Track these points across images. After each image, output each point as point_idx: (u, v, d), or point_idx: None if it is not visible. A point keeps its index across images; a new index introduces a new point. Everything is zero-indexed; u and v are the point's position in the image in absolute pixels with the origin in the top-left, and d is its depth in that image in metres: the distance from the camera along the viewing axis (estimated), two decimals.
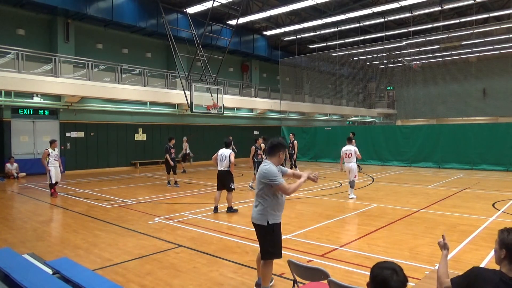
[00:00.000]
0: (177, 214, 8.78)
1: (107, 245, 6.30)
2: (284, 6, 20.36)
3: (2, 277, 3.38)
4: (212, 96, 18.21)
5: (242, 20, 21.15)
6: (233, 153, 8.96)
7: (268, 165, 4.11)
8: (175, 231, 7.27)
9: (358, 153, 10.98)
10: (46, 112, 17.58)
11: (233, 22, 20.63)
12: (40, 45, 17.45)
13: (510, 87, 27.59)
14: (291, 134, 16.86)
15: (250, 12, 21.66)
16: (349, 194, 10.86)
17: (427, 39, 25.45)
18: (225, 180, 8.91)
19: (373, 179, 15.09)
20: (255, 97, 25.91)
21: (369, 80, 38.96)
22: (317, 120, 32.92)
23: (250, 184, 12.92)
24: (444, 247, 2.54)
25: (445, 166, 19.11)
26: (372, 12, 21.28)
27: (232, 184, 8.95)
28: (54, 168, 10.97)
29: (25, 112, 16.94)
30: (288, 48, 29.49)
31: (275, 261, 5.20)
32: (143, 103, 20.41)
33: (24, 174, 16.09)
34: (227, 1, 18.56)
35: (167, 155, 13.06)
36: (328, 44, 27.96)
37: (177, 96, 19.82)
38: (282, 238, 4.32)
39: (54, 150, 11.08)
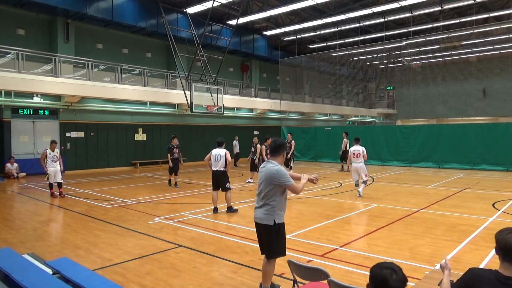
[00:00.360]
0: (177, 214, 8.78)
1: (107, 245, 6.29)
2: (284, 6, 20.36)
3: (2, 277, 3.38)
4: (212, 96, 18.21)
5: (242, 20, 21.14)
6: (228, 152, 8.87)
7: (277, 166, 4.15)
8: (175, 231, 7.27)
9: (365, 153, 10.97)
10: (46, 112, 17.58)
11: (233, 22, 20.62)
12: (40, 45, 17.45)
13: (510, 87, 27.59)
14: (288, 134, 16.95)
15: (250, 12, 21.66)
16: (359, 192, 10.86)
17: (427, 39, 25.45)
18: (221, 181, 8.81)
19: (373, 179, 15.08)
20: (255, 97, 25.91)
21: (369, 80, 38.97)
22: (317, 120, 32.92)
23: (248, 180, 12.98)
24: (445, 267, 2.54)
25: (445, 166, 19.11)
26: (372, 12, 21.28)
27: (228, 184, 8.85)
28: (52, 169, 10.89)
29: (25, 112, 16.93)
30: (288, 48, 29.48)
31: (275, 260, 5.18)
32: (143, 103, 20.41)
33: (24, 174, 16.09)
34: (227, 1, 18.55)
35: (168, 155, 12.77)
36: (328, 44, 27.96)
37: (177, 96, 19.82)
38: None
39: (53, 151, 10.98)
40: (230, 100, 22.23)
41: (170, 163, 12.79)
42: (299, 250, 5.95)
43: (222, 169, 8.78)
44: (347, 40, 27.29)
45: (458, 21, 23.33)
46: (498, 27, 23.72)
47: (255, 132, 25.92)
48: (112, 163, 19.60)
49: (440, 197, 10.87)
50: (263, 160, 12.81)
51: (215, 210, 8.85)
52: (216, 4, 17.71)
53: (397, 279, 1.96)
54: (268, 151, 4.45)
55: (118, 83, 18.33)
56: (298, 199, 10.93)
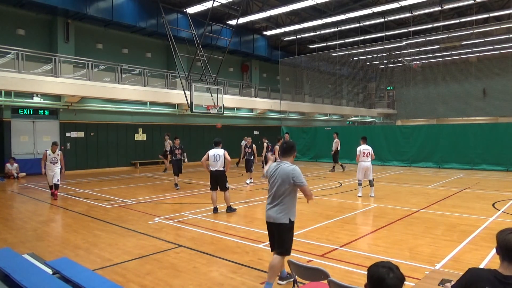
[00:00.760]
0: (177, 214, 8.78)
1: (107, 245, 6.29)
2: (284, 6, 20.36)
3: (2, 277, 3.38)
4: (212, 96, 18.21)
5: (242, 20, 21.14)
6: (226, 152, 8.84)
7: (292, 166, 4.33)
8: (175, 231, 7.27)
9: (372, 152, 11.00)
10: (46, 112, 17.58)
11: (233, 22, 20.62)
12: (40, 45, 17.44)
13: (510, 87, 27.60)
14: (286, 134, 17.03)
15: (250, 12, 21.66)
16: (359, 194, 10.86)
17: (427, 39, 25.44)
18: (220, 180, 8.81)
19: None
20: (255, 97, 25.90)
21: (369, 80, 38.95)
22: (317, 120, 32.92)
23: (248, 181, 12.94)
24: None
25: (445, 166, 19.11)
26: (372, 12, 21.28)
27: (227, 184, 8.85)
28: (50, 171, 10.63)
29: (25, 112, 16.93)
30: (288, 48, 29.48)
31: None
32: (143, 103, 20.41)
33: (24, 174, 16.09)
34: (227, 1, 18.55)
35: (170, 155, 12.57)
36: (328, 44, 27.95)
37: (177, 96, 19.82)
38: None
39: (53, 152, 10.69)
40: (230, 100, 22.22)
41: (167, 164, 12.55)
42: (299, 250, 5.95)
43: (221, 169, 8.77)
44: (347, 40, 27.28)
45: (458, 21, 23.33)
46: (498, 27, 23.71)
47: (255, 132, 25.92)
48: (112, 163, 19.60)
49: (440, 197, 10.87)
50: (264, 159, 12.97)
51: (215, 210, 8.85)
52: (216, 4, 17.71)
53: (394, 277, 1.98)
54: (279, 152, 4.60)
55: (118, 83, 18.33)
56: (298, 199, 10.92)
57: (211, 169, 8.80)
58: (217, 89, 18.43)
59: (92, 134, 18.87)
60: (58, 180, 10.78)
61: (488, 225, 7.56)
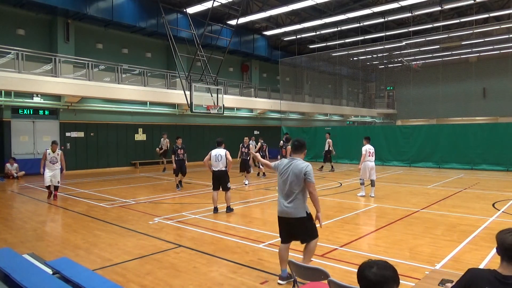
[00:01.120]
0: (177, 214, 8.78)
1: (107, 245, 6.29)
2: (284, 6, 20.36)
3: (2, 277, 3.38)
4: (212, 96, 18.21)
5: (242, 20, 21.14)
6: (228, 152, 8.89)
7: (306, 163, 4.59)
8: (175, 231, 7.27)
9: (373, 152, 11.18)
10: (46, 112, 17.58)
11: (233, 22, 20.62)
12: (40, 45, 17.44)
13: (510, 87, 27.58)
14: (286, 134, 17.12)
15: (250, 12, 21.66)
16: (361, 193, 10.90)
17: (427, 39, 25.44)
18: (222, 180, 8.84)
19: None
20: (255, 97, 25.90)
21: (369, 80, 38.95)
22: (317, 120, 32.92)
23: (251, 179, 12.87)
24: None
25: (445, 166, 19.11)
26: (372, 12, 21.28)
27: (228, 183, 8.89)
28: (48, 171, 10.46)
29: (25, 112, 16.93)
30: (288, 48, 29.48)
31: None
32: (143, 103, 20.41)
33: (23, 173, 16.05)
34: (227, 1, 18.55)
35: (173, 156, 12.33)
36: (328, 44, 27.95)
37: (177, 96, 19.82)
38: None
39: (53, 152, 10.54)
40: (230, 100, 22.22)
41: (174, 165, 12.31)
42: (299, 250, 5.94)
43: (223, 168, 8.81)
44: (347, 40, 27.28)
45: (458, 21, 23.33)
46: (498, 27, 23.71)
47: (255, 132, 25.92)
48: (112, 163, 19.60)
49: (440, 197, 10.87)
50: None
51: (215, 210, 8.85)
52: (216, 4, 17.71)
53: (375, 272, 1.94)
54: (291, 149, 4.83)
55: (118, 83, 18.33)
56: None
57: (213, 169, 8.84)
58: (217, 89, 18.43)
59: (92, 134, 18.87)
60: (58, 182, 10.69)
61: (488, 225, 7.56)
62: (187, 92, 17.32)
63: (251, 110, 26.93)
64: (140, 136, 20.81)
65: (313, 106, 30.65)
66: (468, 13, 23.10)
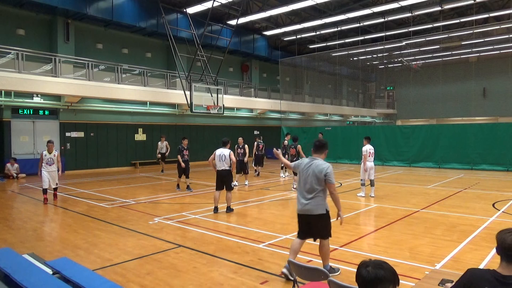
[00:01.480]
0: (177, 214, 8.78)
1: (107, 245, 6.29)
2: (284, 6, 20.35)
3: (2, 277, 3.38)
4: (212, 96, 18.21)
5: (242, 20, 21.14)
6: (232, 152, 8.97)
7: (327, 163, 4.76)
8: (175, 231, 7.27)
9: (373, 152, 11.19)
10: (46, 112, 17.57)
11: (233, 22, 20.62)
12: (40, 45, 17.44)
13: (510, 87, 27.59)
14: (288, 135, 17.05)
15: (250, 12, 21.66)
16: (363, 193, 10.90)
17: (427, 39, 25.44)
18: (226, 179, 8.90)
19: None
20: (255, 97, 25.90)
21: (369, 80, 38.96)
22: (317, 120, 32.92)
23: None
24: None
25: (445, 166, 19.11)
26: (372, 12, 21.28)
27: (232, 183, 8.96)
28: (46, 173, 10.17)
29: (25, 112, 16.93)
30: (288, 48, 29.48)
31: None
32: (143, 103, 20.40)
33: (24, 175, 16.04)
34: (227, 1, 18.55)
35: (179, 156, 12.13)
36: (328, 44, 27.95)
37: (177, 96, 19.82)
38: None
39: (50, 153, 10.22)
40: (230, 100, 22.22)
41: (182, 164, 12.09)
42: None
43: (227, 168, 8.87)
44: (347, 40, 27.28)
45: (458, 21, 23.33)
46: (498, 27, 23.72)
47: (255, 132, 25.92)
48: (112, 163, 19.59)
49: (440, 197, 10.87)
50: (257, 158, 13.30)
51: (216, 209, 8.87)
52: (216, 4, 17.71)
53: (369, 271, 1.98)
54: (312, 149, 4.98)
55: (118, 83, 18.32)
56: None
57: (217, 169, 8.91)
58: (217, 89, 18.43)
59: (92, 134, 18.86)
60: (57, 183, 10.59)
61: (488, 225, 7.56)
62: (187, 92, 17.32)
63: (251, 110, 26.93)
64: (140, 136, 20.81)
65: (313, 106, 30.65)
66: (468, 13, 23.10)
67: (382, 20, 22.58)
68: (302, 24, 23.65)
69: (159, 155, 17.89)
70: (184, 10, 19.74)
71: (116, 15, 18.67)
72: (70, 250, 6.03)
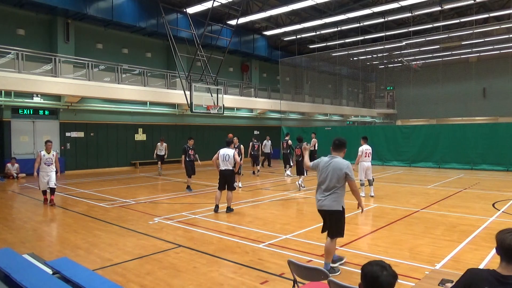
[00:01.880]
0: (177, 214, 8.78)
1: (107, 245, 6.29)
2: (284, 6, 20.35)
3: (2, 277, 3.38)
4: (212, 96, 18.21)
5: (242, 20, 21.13)
6: (236, 152, 9.00)
7: (347, 161, 4.93)
8: (175, 231, 7.27)
9: (370, 152, 11.22)
10: (46, 112, 17.57)
11: (233, 22, 20.61)
12: (40, 45, 17.44)
13: (510, 87, 27.57)
14: (288, 135, 17.17)
15: (250, 12, 21.66)
16: (361, 194, 10.89)
17: (427, 39, 25.43)
18: (229, 179, 8.91)
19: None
20: (255, 97, 25.90)
21: (369, 80, 38.95)
22: (317, 120, 32.92)
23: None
24: None
25: (445, 166, 19.11)
26: (372, 12, 21.27)
27: (235, 183, 8.98)
28: (44, 175, 9.89)
29: (25, 112, 16.92)
30: (288, 48, 29.47)
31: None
32: (143, 103, 20.40)
33: (24, 174, 16.04)
34: (227, 1, 18.54)
35: (183, 156, 12.02)
36: (328, 44, 27.94)
37: (177, 96, 19.82)
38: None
39: (48, 153, 9.92)
40: (230, 100, 22.22)
41: (182, 165, 12.01)
42: (299, 250, 5.96)
43: (230, 167, 8.90)
44: (347, 40, 27.28)
45: (458, 21, 23.32)
46: (498, 27, 23.71)
47: (255, 132, 25.92)
48: (112, 163, 19.59)
49: (440, 197, 10.87)
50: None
51: (216, 208, 8.88)
52: (216, 4, 17.70)
53: (388, 274, 2.03)
54: (331, 147, 5.14)
55: (118, 83, 18.32)
56: (299, 199, 10.94)
57: (221, 168, 8.94)
58: (217, 89, 18.43)
59: (92, 134, 18.86)
60: (55, 184, 10.06)
61: (488, 225, 7.57)
62: (187, 92, 17.32)
63: (251, 110, 26.93)
64: (140, 136, 20.81)
65: (313, 106, 30.65)
66: (468, 13, 23.09)
67: (382, 20, 22.57)
68: (302, 24, 23.65)
69: (155, 156, 17.80)
70: (184, 10, 19.73)
71: (116, 15, 18.67)
72: (70, 250, 6.03)
